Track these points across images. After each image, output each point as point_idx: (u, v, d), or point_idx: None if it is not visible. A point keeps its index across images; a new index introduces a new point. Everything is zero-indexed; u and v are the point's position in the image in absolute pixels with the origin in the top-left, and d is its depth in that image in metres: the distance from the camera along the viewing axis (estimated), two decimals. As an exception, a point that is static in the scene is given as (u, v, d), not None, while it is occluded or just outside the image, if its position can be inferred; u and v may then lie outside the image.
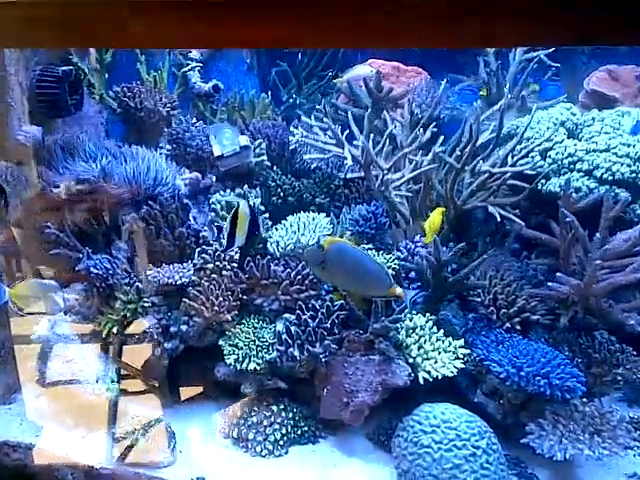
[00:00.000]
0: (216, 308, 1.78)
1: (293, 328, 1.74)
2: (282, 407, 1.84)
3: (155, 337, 1.79)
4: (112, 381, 1.87)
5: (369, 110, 2.05)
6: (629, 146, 1.83)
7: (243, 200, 1.62)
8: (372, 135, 2.01)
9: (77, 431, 1.83)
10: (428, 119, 2.09)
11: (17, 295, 1.66)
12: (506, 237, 2.15)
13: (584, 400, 1.64)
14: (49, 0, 0.75)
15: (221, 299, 1.79)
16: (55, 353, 1.90)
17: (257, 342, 1.80)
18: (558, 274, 1.56)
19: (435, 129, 2.10)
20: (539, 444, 1.61)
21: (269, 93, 2.50)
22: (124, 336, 1.87)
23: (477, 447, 1.60)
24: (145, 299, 1.82)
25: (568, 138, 1.91)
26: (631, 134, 1.95)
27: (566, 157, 1.85)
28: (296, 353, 1.72)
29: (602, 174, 1.78)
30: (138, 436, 1.77)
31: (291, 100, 2.53)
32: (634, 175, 1.79)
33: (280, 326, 1.82)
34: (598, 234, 1.57)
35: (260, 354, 1.78)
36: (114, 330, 1.84)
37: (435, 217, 1.81)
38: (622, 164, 1.79)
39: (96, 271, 1.85)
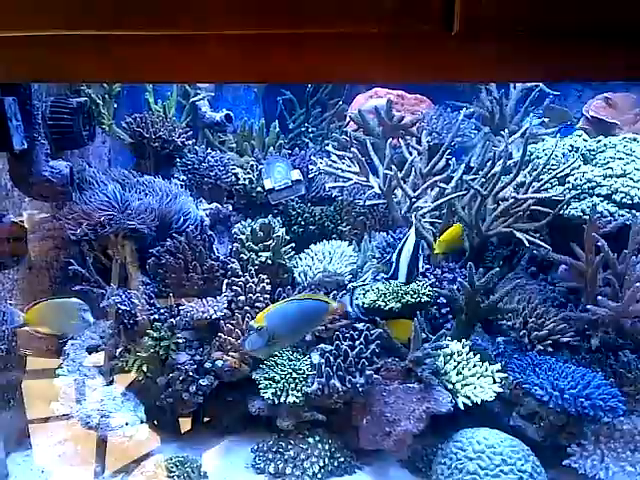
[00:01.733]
0: (253, 341, 1.74)
1: (332, 359, 1.73)
2: (318, 439, 1.81)
3: (190, 374, 1.74)
4: (141, 422, 1.81)
5: (390, 139, 2.07)
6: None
7: (413, 238, 1.60)
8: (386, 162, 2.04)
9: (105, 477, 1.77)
10: (444, 146, 2.12)
11: (35, 316, 1.56)
12: (520, 261, 2.21)
13: (621, 419, 1.68)
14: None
15: (258, 332, 1.75)
16: (78, 393, 1.82)
17: (294, 374, 1.77)
18: (599, 298, 1.61)
19: (450, 156, 2.14)
20: (582, 464, 1.65)
21: (277, 122, 2.50)
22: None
23: (523, 471, 1.62)
24: (178, 335, 1.77)
25: (584, 164, 1.99)
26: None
27: (585, 182, 1.92)
28: (337, 384, 1.70)
29: (621, 198, 1.86)
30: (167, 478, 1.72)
31: (303, 128, 2.53)
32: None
33: (316, 357, 1.80)
34: (634, 257, 1.62)
35: (298, 386, 1.75)
36: (144, 368, 1.78)
37: (453, 230, 1.84)
38: (639, 188, 1.87)
39: (124, 307, 1.79)
